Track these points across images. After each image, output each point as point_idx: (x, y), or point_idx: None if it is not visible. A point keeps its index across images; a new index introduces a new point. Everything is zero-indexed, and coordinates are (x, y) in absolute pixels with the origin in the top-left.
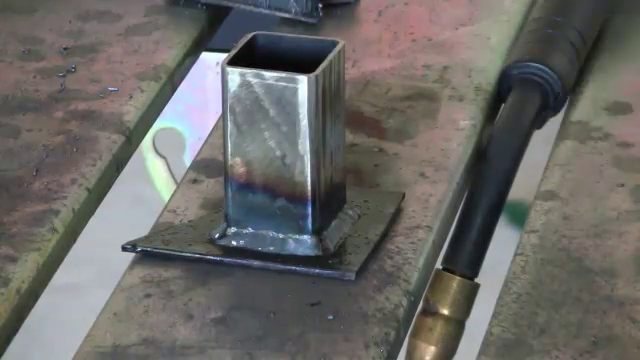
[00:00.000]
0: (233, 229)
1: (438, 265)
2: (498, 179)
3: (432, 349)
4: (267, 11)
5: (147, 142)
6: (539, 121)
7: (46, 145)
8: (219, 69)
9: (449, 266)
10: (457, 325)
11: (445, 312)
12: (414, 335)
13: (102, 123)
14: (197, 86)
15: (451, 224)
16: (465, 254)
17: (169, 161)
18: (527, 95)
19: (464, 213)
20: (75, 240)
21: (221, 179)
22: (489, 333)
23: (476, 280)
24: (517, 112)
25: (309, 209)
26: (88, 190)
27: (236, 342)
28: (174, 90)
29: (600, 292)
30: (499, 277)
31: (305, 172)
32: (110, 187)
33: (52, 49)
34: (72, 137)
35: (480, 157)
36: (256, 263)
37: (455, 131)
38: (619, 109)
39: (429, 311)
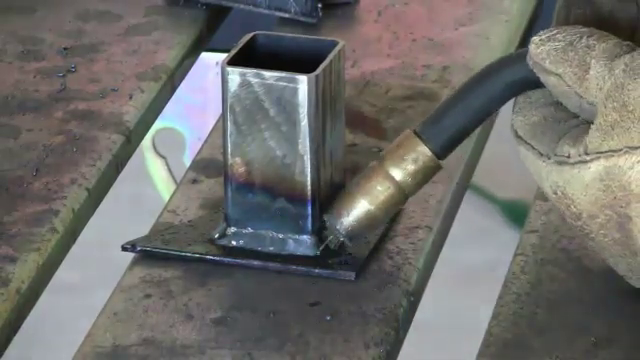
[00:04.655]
0: (233, 229)
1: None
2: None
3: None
4: (267, 11)
5: (147, 142)
6: None
7: (46, 145)
8: (219, 69)
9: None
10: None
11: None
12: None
13: (102, 123)
14: (197, 86)
15: (451, 224)
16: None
17: (169, 161)
18: None
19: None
20: (75, 240)
21: (221, 179)
22: (489, 333)
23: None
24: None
25: (309, 209)
26: (88, 190)
27: (236, 342)
28: (174, 90)
29: (600, 292)
30: (499, 277)
31: (305, 172)
32: (110, 187)
33: (52, 49)
34: (72, 137)
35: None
36: (256, 263)
37: None
38: None
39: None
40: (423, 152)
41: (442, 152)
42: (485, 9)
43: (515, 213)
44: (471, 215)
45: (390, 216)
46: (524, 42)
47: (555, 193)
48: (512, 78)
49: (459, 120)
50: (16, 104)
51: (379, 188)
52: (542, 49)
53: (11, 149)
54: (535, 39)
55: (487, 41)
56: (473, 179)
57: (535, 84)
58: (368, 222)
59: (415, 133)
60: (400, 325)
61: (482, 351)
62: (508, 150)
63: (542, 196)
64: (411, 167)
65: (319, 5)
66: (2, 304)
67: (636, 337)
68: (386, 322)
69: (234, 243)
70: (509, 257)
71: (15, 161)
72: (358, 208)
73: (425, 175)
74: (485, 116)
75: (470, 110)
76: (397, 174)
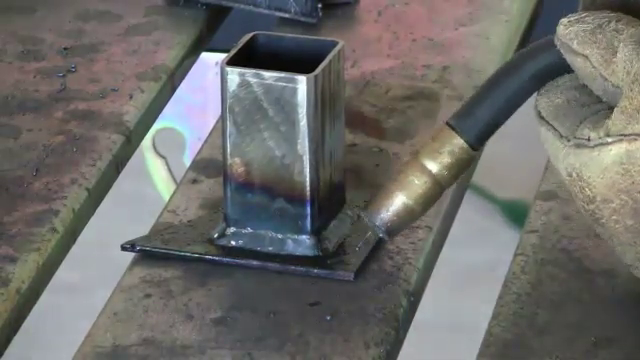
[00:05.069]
0: (232, 229)
1: (438, 264)
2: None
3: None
4: (267, 11)
5: (147, 142)
6: None
7: (46, 145)
8: (219, 69)
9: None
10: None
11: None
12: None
13: (102, 123)
14: (197, 86)
15: (451, 224)
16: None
17: (169, 161)
18: None
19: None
20: (75, 240)
21: (221, 179)
22: (489, 333)
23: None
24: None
25: (308, 209)
26: (88, 190)
27: (236, 342)
28: (174, 90)
29: (600, 292)
30: (499, 277)
31: (304, 172)
32: (110, 187)
33: (52, 49)
34: (72, 137)
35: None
36: (255, 263)
37: None
38: None
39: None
40: (459, 144)
41: (477, 143)
42: (485, 9)
43: (515, 213)
44: (471, 215)
45: (427, 210)
46: (524, 42)
47: (570, 175)
48: (540, 66)
49: (492, 110)
50: (16, 104)
51: (417, 182)
52: (570, 30)
53: (11, 149)
54: (564, 20)
55: (487, 41)
56: (473, 179)
57: (564, 70)
58: (407, 216)
59: (449, 126)
60: (400, 325)
61: (482, 351)
62: (508, 150)
63: (542, 196)
64: (447, 160)
65: (319, 5)
66: (2, 304)
67: (636, 337)
68: (386, 322)
69: (233, 243)
70: (509, 257)
71: (15, 161)
72: (396, 203)
73: (460, 167)
74: (517, 105)
75: (502, 100)
76: (433, 167)
